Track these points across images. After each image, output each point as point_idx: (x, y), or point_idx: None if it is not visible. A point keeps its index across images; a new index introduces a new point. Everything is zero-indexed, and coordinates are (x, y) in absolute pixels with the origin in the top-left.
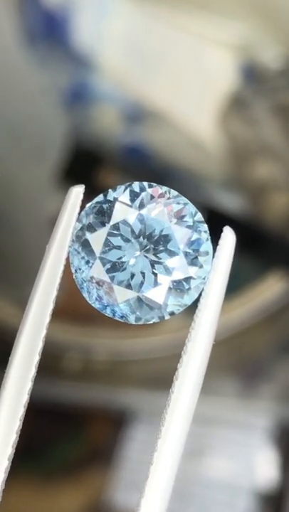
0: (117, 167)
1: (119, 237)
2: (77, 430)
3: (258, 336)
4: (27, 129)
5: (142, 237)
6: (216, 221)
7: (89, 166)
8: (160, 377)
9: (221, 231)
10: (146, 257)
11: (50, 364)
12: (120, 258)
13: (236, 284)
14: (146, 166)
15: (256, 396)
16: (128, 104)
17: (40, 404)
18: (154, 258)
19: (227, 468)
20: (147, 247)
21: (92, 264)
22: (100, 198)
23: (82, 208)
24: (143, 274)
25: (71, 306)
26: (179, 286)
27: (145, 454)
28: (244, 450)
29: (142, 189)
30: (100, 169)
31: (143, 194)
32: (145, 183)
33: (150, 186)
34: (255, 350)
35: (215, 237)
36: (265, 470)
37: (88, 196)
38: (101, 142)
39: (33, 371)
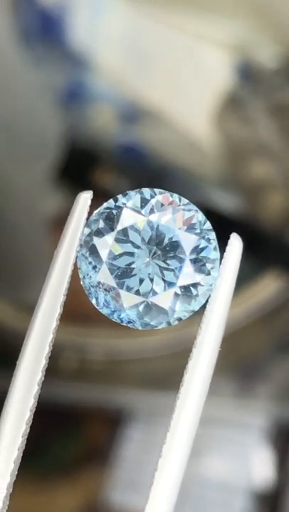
0: (113, 166)
1: (128, 244)
2: (74, 430)
3: (254, 335)
4: (23, 128)
5: (151, 244)
6: (212, 221)
7: (85, 165)
8: (157, 376)
9: (219, 231)
10: (155, 263)
11: (47, 363)
12: (129, 264)
13: None
14: (142, 166)
15: (252, 396)
16: (124, 104)
17: (37, 404)
18: (162, 264)
19: (223, 468)
20: (156, 254)
21: (100, 269)
22: (110, 203)
23: (89, 213)
24: (152, 280)
25: (68, 306)
26: (186, 293)
27: (142, 454)
28: (240, 450)
29: (152, 196)
30: (96, 169)
31: (153, 201)
32: (156, 190)
33: (160, 193)
34: (251, 350)
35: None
36: (261, 470)
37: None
38: (97, 142)
39: (40, 375)
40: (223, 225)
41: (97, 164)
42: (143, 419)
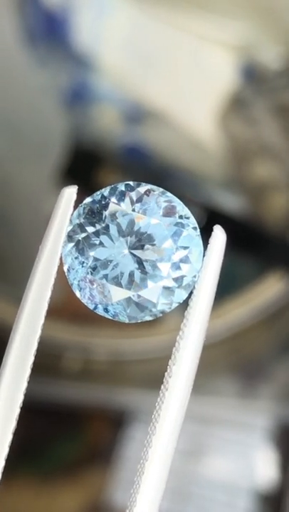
0: (116, 167)
1: (108, 237)
2: (76, 430)
3: (257, 336)
4: (27, 128)
5: (130, 236)
6: (215, 221)
7: (88, 165)
8: (159, 377)
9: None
10: (134, 255)
11: (49, 364)
12: (111, 257)
13: (236, 284)
14: (145, 166)
15: (256, 396)
16: (128, 104)
17: (39, 404)
18: (142, 256)
19: (226, 468)
20: (136, 245)
21: (84, 263)
22: (90, 198)
23: (75, 208)
24: (132, 272)
25: (70, 306)
26: (169, 284)
27: None
28: (243, 450)
29: (132, 188)
30: (100, 169)
31: (131, 193)
32: (133, 182)
33: (138, 185)
34: (254, 351)
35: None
36: (264, 470)
37: (87, 196)
38: (101, 142)
39: (28, 372)
40: (226, 226)
41: (101, 165)
42: (145, 419)
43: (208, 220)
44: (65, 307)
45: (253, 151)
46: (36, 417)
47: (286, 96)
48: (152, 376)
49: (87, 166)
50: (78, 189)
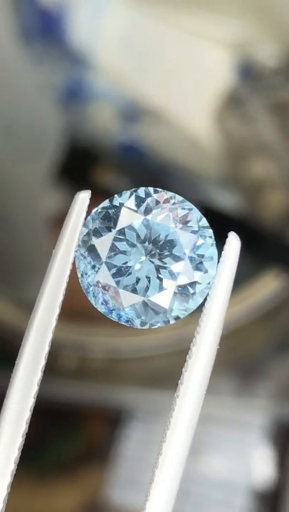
0: (113, 165)
1: (124, 242)
2: (73, 428)
3: (254, 334)
4: (23, 126)
5: (147, 242)
6: (212, 219)
7: (85, 164)
8: (156, 375)
9: (218, 230)
10: (151, 261)
11: (46, 362)
12: (126, 263)
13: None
14: (142, 164)
15: (253, 394)
16: (124, 102)
17: (36, 403)
18: (159, 263)
19: (224, 467)
20: (153, 252)
21: (98, 268)
22: (106, 203)
23: (88, 212)
24: (148, 278)
25: (68, 305)
26: (184, 291)
27: (141, 453)
28: (241, 448)
29: (148, 194)
30: (96, 167)
31: (149, 199)
32: (151, 189)
33: (156, 192)
34: (251, 349)
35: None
36: (261, 468)
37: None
38: (97, 140)
39: (39, 375)
40: (223, 224)
41: (97, 163)
42: (143, 417)
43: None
44: (62, 305)
45: (250, 149)
46: (33, 415)
47: (282, 94)
48: (150, 374)
49: (83, 165)
50: (74, 187)
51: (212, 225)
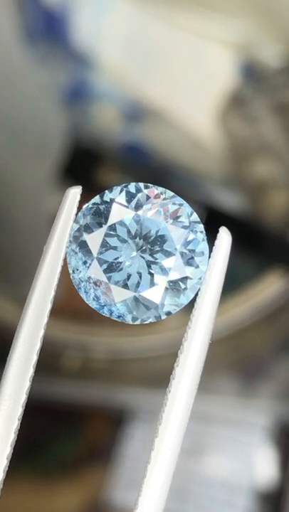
0: (116, 165)
1: (115, 238)
2: (75, 428)
3: (257, 334)
4: (26, 127)
5: (138, 238)
6: (215, 219)
7: (88, 164)
8: (159, 375)
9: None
10: (142, 257)
11: (48, 362)
12: (117, 258)
13: (235, 283)
14: (145, 164)
15: (255, 394)
16: (127, 103)
17: (38, 403)
18: (150, 258)
19: (226, 467)
20: (144, 248)
21: (90, 264)
22: (97, 199)
23: (79, 208)
24: (139, 274)
25: (70, 305)
26: (175, 286)
27: (143, 453)
28: (243, 448)
29: (138, 190)
30: (99, 167)
31: (139, 195)
32: (141, 184)
33: (146, 187)
34: (254, 349)
35: (213, 235)
36: (263, 468)
37: (87, 195)
38: (100, 140)
39: (31, 371)
40: (225, 224)
41: (100, 163)
42: (145, 417)
43: (207, 218)
44: (65, 306)
45: (253, 150)
46: (36, 415)
47: (285, 94)
48: (151, 374)
49: (86, 165)
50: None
51: (215, 225)
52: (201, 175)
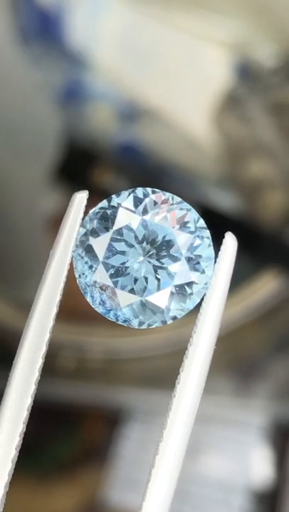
0: (111, 165)
1: (122, 243)
2: (71, 429)
3: (252, 334)
4: (21, 127)
5: (145, 243)
6: (210, 220)
7: (83, 164)
8: (155, 375)
9: (216, 230)
10: (149, 262)
11: (44, 362)
12: (123, 263)
13: (231, 283)
14: (140, 165)
15: (251, 394)
16: (122, 103)
17: (34, 403)
18: (156, 263)
19: (222, 466)
20: (150, 253)
21: (96, 268)
22: (104, 203)
23: (85, 213)
24: (146, 278)
25: (66, 305)
26: (181, 291)
27: (140, 453)
28: (239, 448)
29: (146, 195)
30: (95, 167)
31: (146, 200)
32: (148, 189)
33: (154, 192)
34: (249, 349)
35: (212, 236)
36: (260, 468)
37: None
38: (95, 140)
39: (36, 375)
40: (221, 224)
41: (96, 163)
42: (141, 418)
43: (203, 218)
44: (61, 306)
45: (248, 149)
46: (31, 416)
47: (280, 94)
48: (148, 375)
49: (81, 165)
50: (72, 187)
51: (210, 226)
52: (196, 175)
